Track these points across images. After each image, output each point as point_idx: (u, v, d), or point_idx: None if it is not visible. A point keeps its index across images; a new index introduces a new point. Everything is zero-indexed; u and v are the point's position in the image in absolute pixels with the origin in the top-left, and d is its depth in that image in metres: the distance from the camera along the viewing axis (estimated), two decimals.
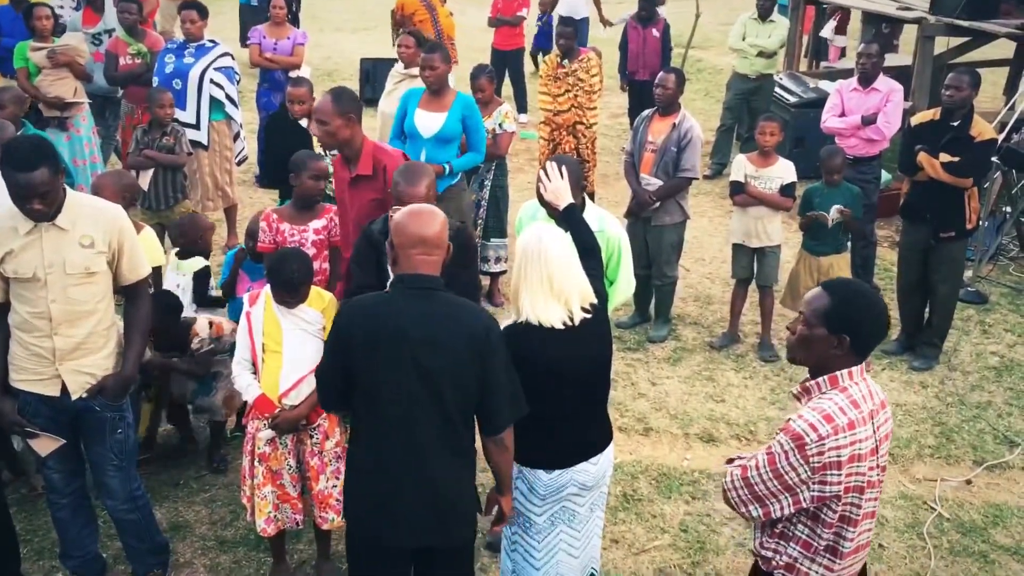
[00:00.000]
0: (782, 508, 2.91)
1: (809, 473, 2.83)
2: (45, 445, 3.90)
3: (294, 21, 11.28)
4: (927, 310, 6.54)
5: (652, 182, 6.41)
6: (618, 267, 4.27)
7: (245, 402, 4.11)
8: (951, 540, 4.85)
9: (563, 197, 3.90)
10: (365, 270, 4.13)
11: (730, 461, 3.13)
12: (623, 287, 4.36)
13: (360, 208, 4.50)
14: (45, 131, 7.50)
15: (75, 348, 3.79)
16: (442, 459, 3.15)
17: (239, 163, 7.96)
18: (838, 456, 2.82)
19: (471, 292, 4.10)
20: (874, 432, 2.91)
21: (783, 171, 6.39)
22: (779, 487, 2.88)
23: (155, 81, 7.45)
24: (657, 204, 6.41)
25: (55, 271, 3.67)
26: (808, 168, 7.59)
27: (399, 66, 7.51)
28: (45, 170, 3.51)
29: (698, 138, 6.36)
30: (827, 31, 12.33)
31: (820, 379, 2.93)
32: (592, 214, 4.23)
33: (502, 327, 3.43)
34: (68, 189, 3.77)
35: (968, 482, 5.32)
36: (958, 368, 6.44)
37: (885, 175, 7.63)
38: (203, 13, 7.64)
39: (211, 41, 7.65)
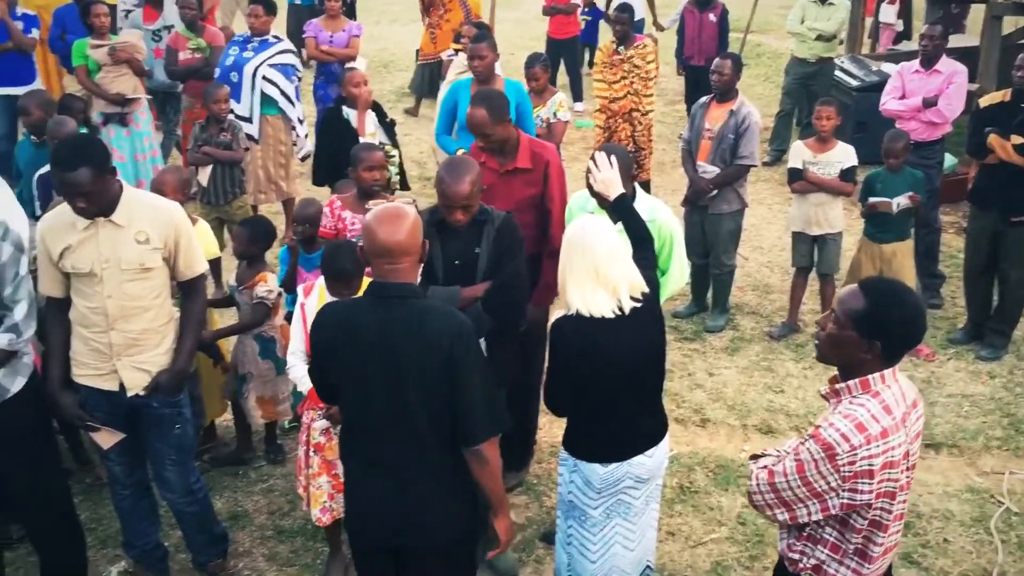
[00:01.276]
0: (809, 514, 2.81)
1: (840, 481, 2.71)
2: (106, 439, 3.97)
3: (349, 13, 11.33)
4: (995, 298, 6.35)
5: (709, 170, 6.32)
6: (670, 256, 4.22)
7: (300, 393, 4.14)
8: (1020, 535, 4.71)
9: (613, 187, 3.85)
10: None
11: (754, 458, 3.02)
12: (675, 276, 4.30)
13: (512, 202, 4.47)
14: (106, 127, 7.68)
15: (131, 344, 3.84)
16: (407, 464, 3.08)
17: (303, 159, 8.01)
18: (870, 465, 2.70)
19: (517, 283, 4.07)
20: (906, 436, 2.79)
21: (842, 155, 6.25)
22: (807, 493, 2.77)
23: (216, 73, 7.54)
24: (714, 192, 6.32)
25: (111, 267, 3.72)
26: (871, 153, 7.40)
27: (462, 57, 7.49)
28: (87, 170, 3.54)
29: (756, 125, 6.25)
30: (885, 13, 12.04)
31: (851, 382, 2.78)
32: (643, 203, 4.18)
33: (553, 320, 3.40)
34: (125, 185, 3.82)
35: None
36: None
37: (949, 159, 7.43)
38: (269, 8, 7.70)
39: (275, 37, 7.72)
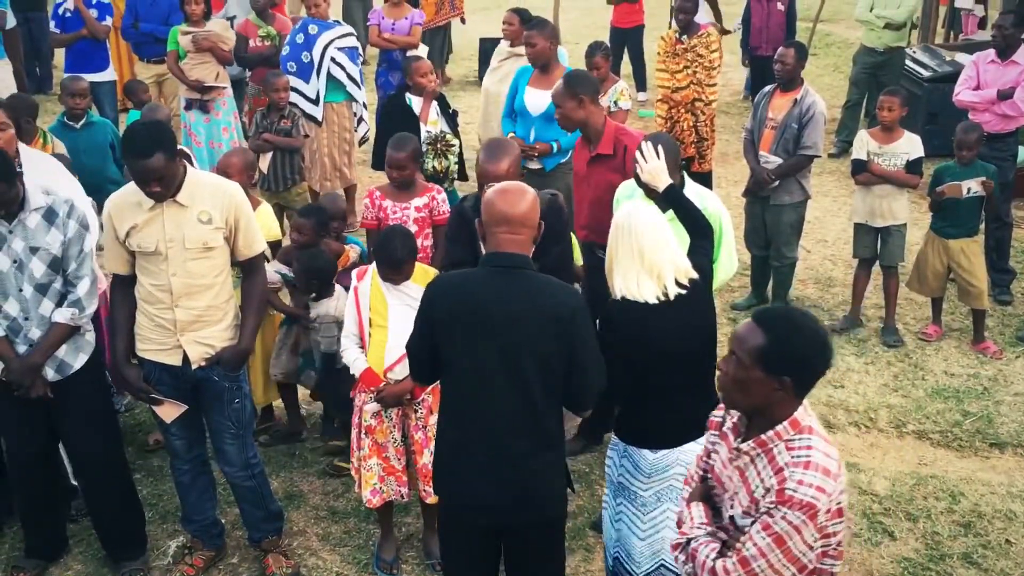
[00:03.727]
0: None
1: (818, 536, 2.50)
2: (169, 412, 4.08)
3: (413, 1, 11.42)
4: None
5: (771, 160, 6.23)
6: (719, 246, 4.16)
7: (353, 375, 4.19)
8: None
9: (661, 179, 3.82)
10: (458, 245, 4.18)
11: (676, 547, 2.71)
12: (725, 266, 4.25)
13: (599, 188, 4.57)
14: (188, 112, 7.85)
15: (195, 320, 3.94)
16: (521, 437, 3.13)
17: (362, 143, 8.09)
18: (839, 503, 2.52)
19: (564, 266, 4.09)
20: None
21: (909, 146, 6.09)
22: (786, 564, 2.49)
23: (286, 50, 7.60)
24: (776, 182, 6.23)
25: (175, 246, 3.81)
26: (942, 145, 7.24)
27: (504, 44, 7.50)
28: (161, 155, 3.64)
29: (821, 114, 6.14)
30: (964, 0, 11.69)
31: (780, 427, 2.56)
32: (691, 192, 4.13)
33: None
34: (188, 166, 3.91)
35: None
36: None
37: (1023, 152, 7.21)
38: None
39: (336, 21, 7.81)
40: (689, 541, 2.69)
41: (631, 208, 3.46)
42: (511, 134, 6.03)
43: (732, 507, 2.67)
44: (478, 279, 3.18)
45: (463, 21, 12.02)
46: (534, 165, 6.04)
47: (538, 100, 6.07)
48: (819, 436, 2.56)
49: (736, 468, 2.67)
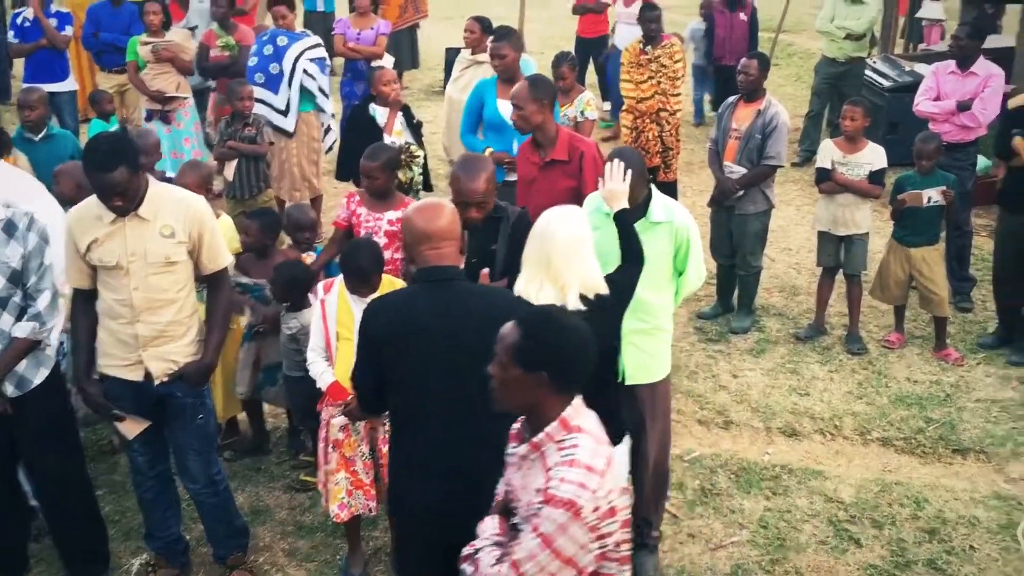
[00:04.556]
0: None
1: (590, 535, 2.45)
2: (131, 428, 4.02)
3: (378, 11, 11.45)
4: None
5: (736, 170, 6.28)
6: (687, 258, 4.17)
7: (320, 389, 4.15)
8: None
9: (617, 200, 3.80)
10: None
11: (464, 559, 2.68)
12: (692, 278, 4.25)
13: (553, 194, 4.54)
14: (149, 123, 7.78)
15: (157, 335, 3.88)
16: (470, 449, 3.09)
17: (327, 152, 8.06)
18: (611, 503, 2.48)
19: None
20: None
21: (872, 157, 6.17)
22: (560, 565, 2.45)
23: (253, 61, 7.55)
24: (741, 192, 6.28)
25: (137, 260, 3.76)
26: (902, 155, 7.30)
27: (466, 52, 7.50)
28: (124, 169, 3.59)
29: (784, 125, 6.19)
30: (929, 10, 11.86)
31: (551, 428, 2.55)
32: (659, 204, 4.14)
33: None
34: (151, 179, 3.87)
35: None
36: None
37: (983, 161, 7.33)
38: (291, 7, 7.77)
39: (304, 32, 7.77)
40: (477, 551, 2.67)
41: (553, 215, 3.44)
42: (488, 149, 5.98)
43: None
44: (414, 295, 3.18)
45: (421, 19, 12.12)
46: (514, 177, 6.01)
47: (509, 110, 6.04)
48: (589, 435, 2.56)
49: (521, 474, 2.66)
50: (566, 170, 4.77)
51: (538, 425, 2.60)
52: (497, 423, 3.10)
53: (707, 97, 10.97)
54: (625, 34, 9.99)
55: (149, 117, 7.80)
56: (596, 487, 2.44)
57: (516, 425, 2.78)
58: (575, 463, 2.47)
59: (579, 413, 2.60)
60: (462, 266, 3.23)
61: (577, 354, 2.59)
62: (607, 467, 2.50)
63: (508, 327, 2.63)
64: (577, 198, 4.56)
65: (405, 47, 11.58)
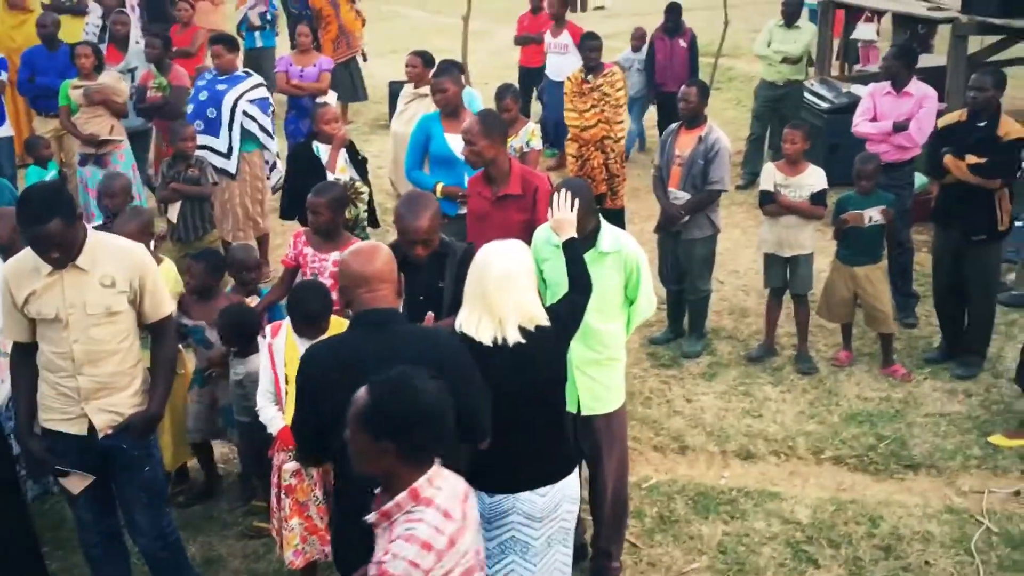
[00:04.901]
0: None
1: None
2: (76, 483, 3.92)
3: (319, 48, 11.45)
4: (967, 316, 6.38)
5: (680, 196, 6.34)
6: (637, 286, 4.20)
7: (270, 435, 4.09)
8: (1000, 555, 4.69)
9: (565, 230, 3.81)
10: None
11: None
12: (643, 307, 4.27)
13: (506, 228, 4.52)
14: (84, 167, 7.65)
15: (100, 387, 3.80)
16: None
17: (276, 191, 7.99)
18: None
19: None
20: (472, 533, 2.58)
21: (814, 178, 6.27)
22: None
23: (190, 108, 7.50)
24: (686, 218, 6.33)
25: (76, 312, 3.68)
26: (843, 175, 7.41)
27: (409, 86, 7.52)
28: (59, 221, 3.52)
29: (725, 150, 6.27)
30: (863, 32, 12.13)
31: (400, 497, 2.49)
32: (608, 234, 4.16)
33: None
34: (89, 229, 3.79)
35: (1017, 493, 5.15)
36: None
37: (920, 179, 7.47)
38: (230, 46, 7.69)
39: (245, 72, 7.71)
40: None
41: (490, 249, 3.44)
42: (439, 184, 5.97)
43: None
44: (351, 340, 3.15)
45: (364, 58, 12.09)
46: (465, 210, 6.00)
47: (455, 143, 6.04)
48: (436, 510, 2.48)
49: (379, 542, 2.61)
50: (520, 204, 4.79)
51: (391, 493, 2.53)
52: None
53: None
54: (556, 64, 10.08)
55: (84, 161, 7.68)
56: (430, 567, 2.38)
57: (378, 490, 2.69)
58: (411, 539, 2.41)
59: (432, 483, 2.52)
60: (400, 307, 3.20)
61: (426, 424, 2.51)
62: (448, 547, 2.44)
63: (361, 392, 2.56)
64: (530, 232, 4.57)
65: (344, 81, 11.58)
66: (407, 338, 3.12)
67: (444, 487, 2.54)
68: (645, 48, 10.38)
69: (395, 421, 2.47)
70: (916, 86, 6.95)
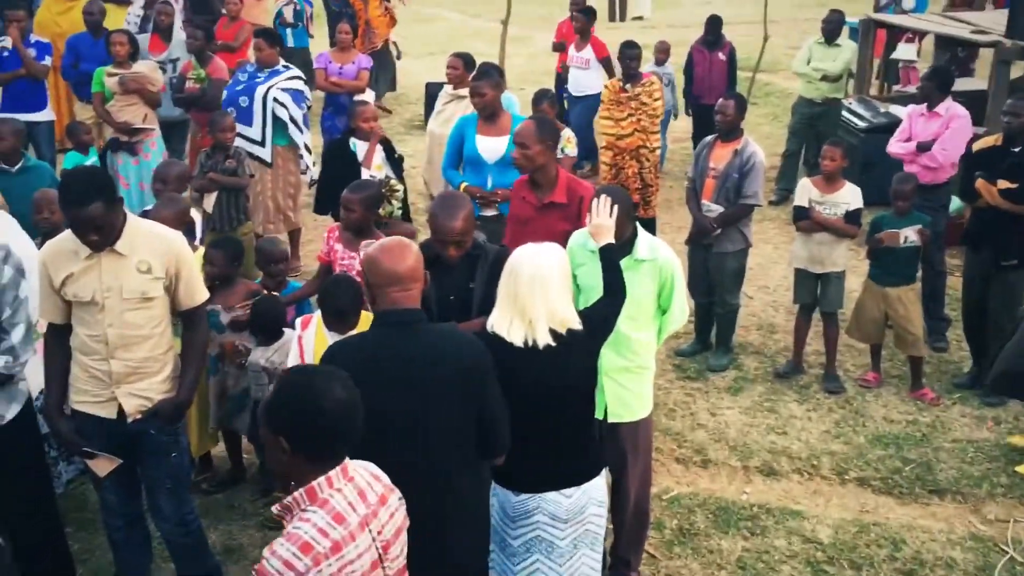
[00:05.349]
0: None
1: None
2: (103, 466, 3.95)
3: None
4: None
5: (713, 208, 6.32)
6: (671, 295, 4.19)
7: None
8: None
9: (603, 236, 3.81)
10: None
11: None
12: (676, 316, 4.27)
13: (549, 236, 4.49)
14: (115, 154, 7.73)
15: (131, 372, 3.84)
16: (427, 495, 3.04)
17: (311, 186, 8.03)
18: None
19: None
20: (374, 540, 2.52)
21: (849, 196, 6.22)
22: None
23: (224, 96, 7.56)
24: (718, 231, 6.31)
25: (112, 295, 3.72)
26: (877, 195, 7.36)
27: (448, 87, 7.54)
28: (100, 204, 3.56)
29: (760, 164, 6.25)
30: (904, 52, 12.03)
31: (298, 493, 2.46)
32: (644, 242, 4.17)
33: None
34: (128, 214, 3.83)
35: None
36: None
37: (956, 202, 7.40)
38: (272, 40, 7.76)
39: (284, 66, 7.76)
40: None
41: (524, 251, 3.45)
42: (463, 184, 6.01)
43: None
44: (374, 340, 3.14)
45: (399, 56, 12.25)
46: (490, 212, 6.02)
47: (492, 147, 6.05)
48: (327, 513, 2.44)
49: None
50: (564, 213, 4.76)
51: (294, 488, 2.51)
52: (458, 468, 3.09)
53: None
54: (576, 78, 9.95)
55: (115, 148, 7.74)
56: (303, 570, 2.34)
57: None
58: (292, 539, 2.38)
59: (332, 484, 2.48)
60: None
61: (324, 426, 2.45)
62: (332, 552, 2.39)
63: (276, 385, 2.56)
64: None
65: (371, 75, 11.79)
66: (430, 340, 3.10)
67: (346, 490, 2.49)
68: (669, 62, 10.31)
69: (292, 418, 2.44)
70: (946, 106, 6.89)
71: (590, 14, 10.10)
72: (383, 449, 3.03)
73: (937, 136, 6.78)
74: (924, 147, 6.74)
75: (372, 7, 11.67)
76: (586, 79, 9.79)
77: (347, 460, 2.53)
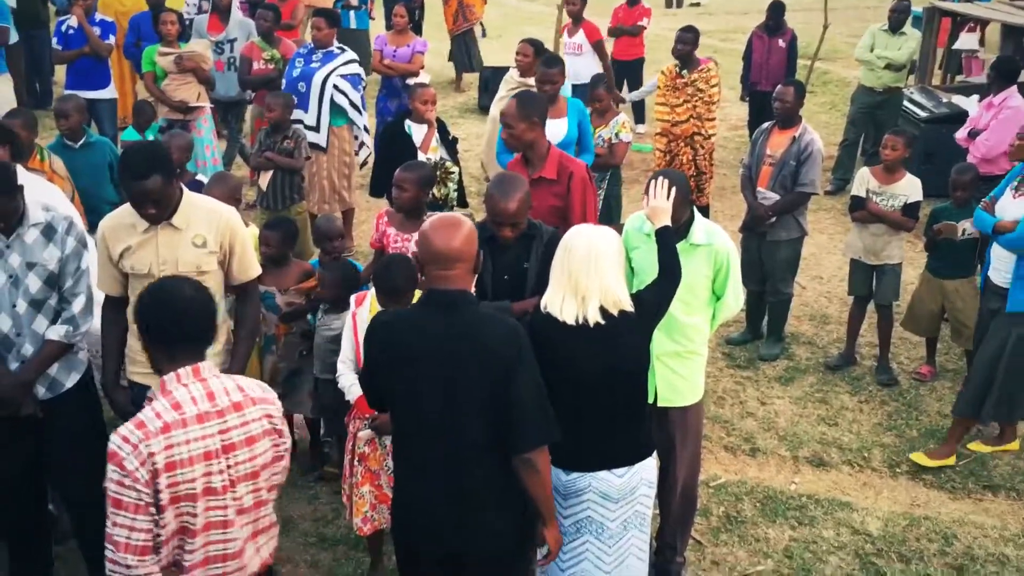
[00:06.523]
0: (140, 530, 2.75)
1: (144, 487, 2.72)
2: None
3: (416, 29, 11.56)
4: None
5: (769, 196, 6.25)
6: (726, 282, 4.16)
7: (348, 402, 4.16)
8: None
9: (660, 218, 3.79)
10: None
11: None
12: (730, 302, 4.24)
13: (539, 212, 4.52)
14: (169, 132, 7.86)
15: None
16: (462, 471, 3.08)
17: (362, 167, 8.10)
18: (154, 464, 2.72)
19: None
20: (212, 436, 2.82)
21: (908, 188, 6.10)
22: (129, 515, 2.74)
23: (283, 84, 7.67)
24: (773, 219, 6.24)
25: (168, 268, 3.79)
26: (937, 186, 7.24)
27: (514, 73, 7.48)
28: (158, 177, 3.63)
29: (818, 152, 6.16)
30: (966, 42, 11.78)
31: (154, 386, 2.90)
32: (700, 227, 4.14)
33: None
34: (184, 189, 3.90)
35: None
36: None
37: None
38: (331, 21, 7.82)
39: (339, 48, 7.81)
40: None
41: (579, 229, 3.47)
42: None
43: None
44: (412, 319, 3.16)
45: (483, 33, 12.49)
46: None
47: (553, 129, 6.02)
48: (167, 401, 2.81)
49: None
50: (553, 189, 4.69)
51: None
52: (492, 448, 3.08)
53: None
54: (569, 65, 9.63)
55: (169, 126, 7.84)
56: (137, 441, 2.71)
57: None
58: (133, 420, 2.78)
59: (180, 380, 2.85)
60: (471, 288, 3.20)
61: (170, 318, 2.86)
62: (161, 431, 2.73)
63: None
64: (562, 218, 4.53)
65: (460, 51, 12.70)
66: (470, 323, 3.08)
67: (193, 387, 2.85)
68: None
69: (144, 310, 2.90)
70: (1003, 95, 6.73)
71: None
72: (417, 422, 3.09)
73: (988, 125, 6.63)
74: (975, 134, 6.60)
75: None
76: (579, 65, 9.35)
77: (201, 363, 2.89)
